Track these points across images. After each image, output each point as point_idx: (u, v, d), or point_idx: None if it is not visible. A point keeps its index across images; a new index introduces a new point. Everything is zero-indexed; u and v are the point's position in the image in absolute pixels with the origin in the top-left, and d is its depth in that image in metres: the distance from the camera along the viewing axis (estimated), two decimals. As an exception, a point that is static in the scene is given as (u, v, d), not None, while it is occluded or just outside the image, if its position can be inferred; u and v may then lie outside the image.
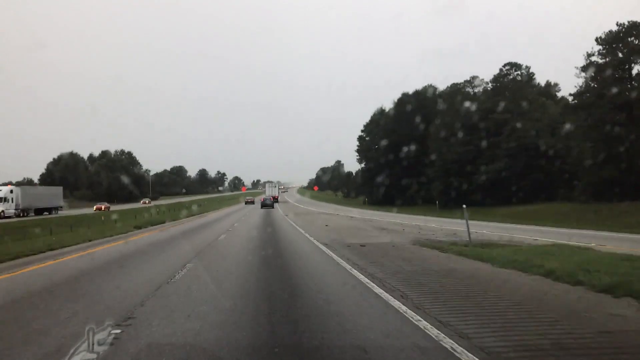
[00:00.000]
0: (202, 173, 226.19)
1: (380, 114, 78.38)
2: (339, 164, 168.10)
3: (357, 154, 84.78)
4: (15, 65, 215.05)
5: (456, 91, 62.41)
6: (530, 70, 55.58)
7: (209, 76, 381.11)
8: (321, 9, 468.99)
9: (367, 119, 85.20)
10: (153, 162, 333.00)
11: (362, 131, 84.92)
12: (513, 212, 42.66)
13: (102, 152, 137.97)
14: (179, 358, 4.32)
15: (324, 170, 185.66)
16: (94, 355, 4.30)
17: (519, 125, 50.35)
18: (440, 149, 57.14)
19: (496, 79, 57.08)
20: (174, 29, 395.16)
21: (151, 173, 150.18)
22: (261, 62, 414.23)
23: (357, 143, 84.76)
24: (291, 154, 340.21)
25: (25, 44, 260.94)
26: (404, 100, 71.25)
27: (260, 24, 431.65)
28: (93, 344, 4.46)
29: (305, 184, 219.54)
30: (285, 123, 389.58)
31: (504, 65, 56.67)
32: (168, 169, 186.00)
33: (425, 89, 72.69)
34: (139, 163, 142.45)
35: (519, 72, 55.90)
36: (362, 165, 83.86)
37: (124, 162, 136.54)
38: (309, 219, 32.12)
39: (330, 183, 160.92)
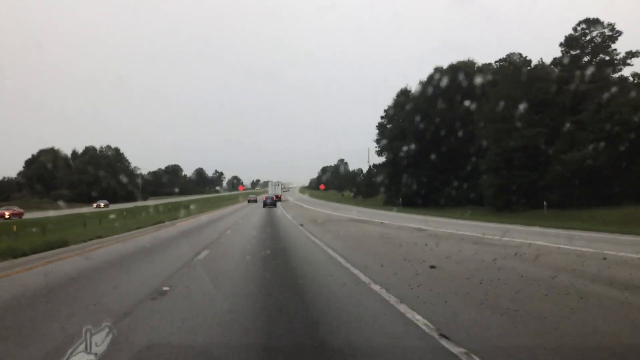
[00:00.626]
0: (200, 172, 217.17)
1: (405, 96, 64.67)
2: (341, 163, 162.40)
3: (376, 144, 71.05)
4: (8, 63, 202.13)
5: (510, 61, 49.15)
6: (616, 29, 42.07)
7: (207, 75, 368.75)
8: (321, 8, 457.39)
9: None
10: (149, 162, 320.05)
11: (382, 117, 71.27)
12: (628, 216, 29.40)
13: (86, 147, 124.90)
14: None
15: (325, 169, 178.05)
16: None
17: (607, 97, 37.09)
18: (495, 132, 43.72)
19: (568, 41, 43.73)
20: (173, 27, 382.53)
21: (145, 172, 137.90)
22: (261, 61, 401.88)
23: (377, 131, 71.09)
24: (291, 153, 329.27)
25: (19, 43, 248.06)
26: (436, 76, 57.61)
27: (259, 23, 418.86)
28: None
29: (306, 183, 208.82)
30: (286, 122, 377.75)
31: (578, 24, 43.43)
32: (163, 167, 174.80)
33: (461, 64, 59.30)
34: (127, 160, 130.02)
35: (599, 32, 42.51)
36: (384, 157, 69.77)
37: (110, 158, 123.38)
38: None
39: (334, 182, 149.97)
